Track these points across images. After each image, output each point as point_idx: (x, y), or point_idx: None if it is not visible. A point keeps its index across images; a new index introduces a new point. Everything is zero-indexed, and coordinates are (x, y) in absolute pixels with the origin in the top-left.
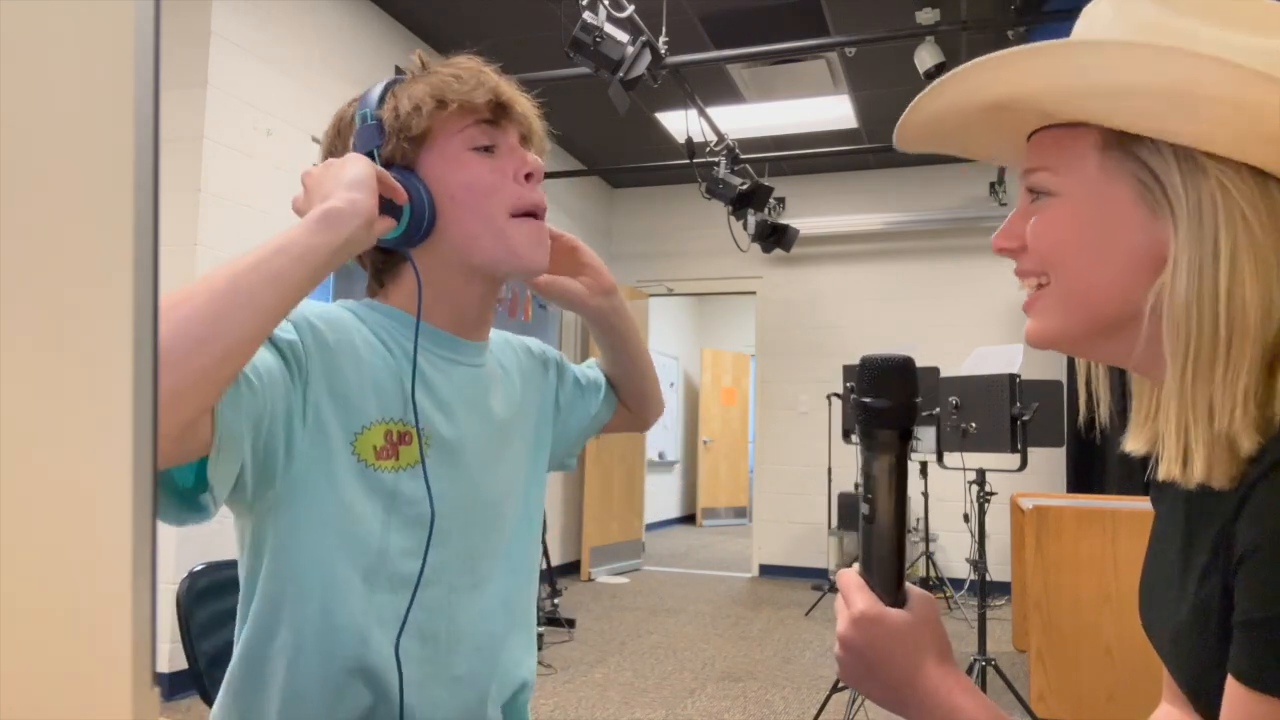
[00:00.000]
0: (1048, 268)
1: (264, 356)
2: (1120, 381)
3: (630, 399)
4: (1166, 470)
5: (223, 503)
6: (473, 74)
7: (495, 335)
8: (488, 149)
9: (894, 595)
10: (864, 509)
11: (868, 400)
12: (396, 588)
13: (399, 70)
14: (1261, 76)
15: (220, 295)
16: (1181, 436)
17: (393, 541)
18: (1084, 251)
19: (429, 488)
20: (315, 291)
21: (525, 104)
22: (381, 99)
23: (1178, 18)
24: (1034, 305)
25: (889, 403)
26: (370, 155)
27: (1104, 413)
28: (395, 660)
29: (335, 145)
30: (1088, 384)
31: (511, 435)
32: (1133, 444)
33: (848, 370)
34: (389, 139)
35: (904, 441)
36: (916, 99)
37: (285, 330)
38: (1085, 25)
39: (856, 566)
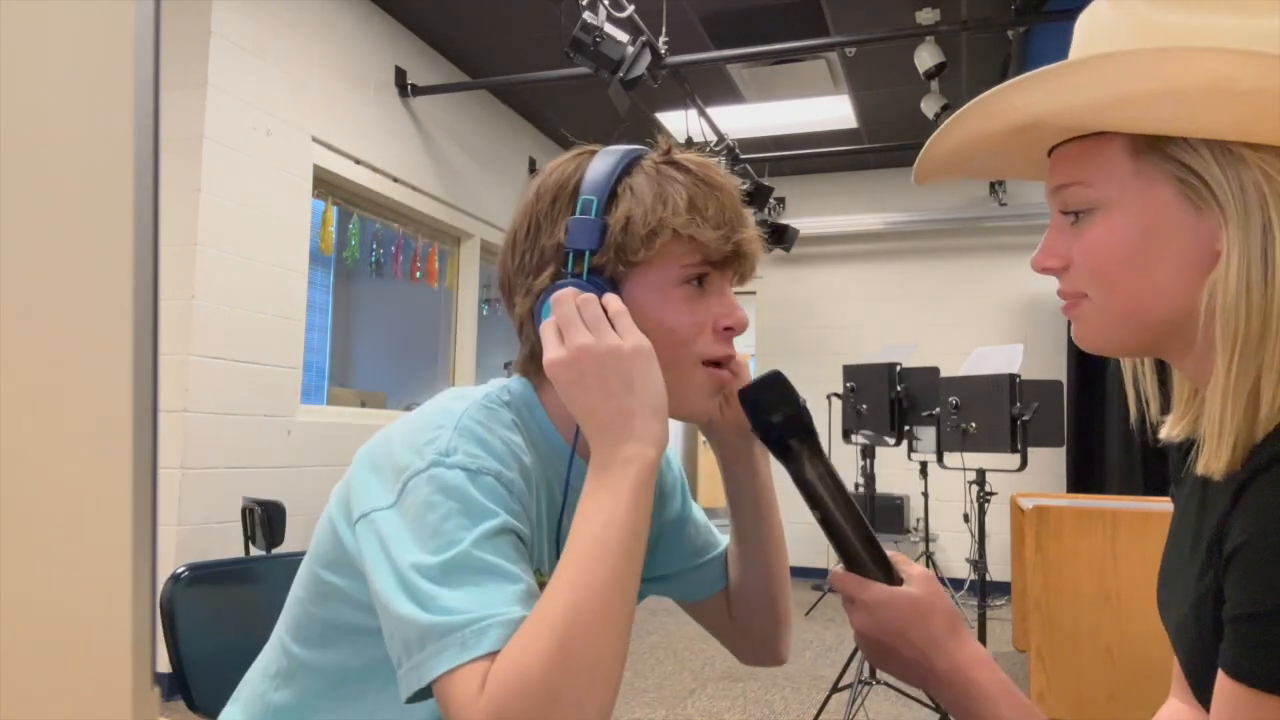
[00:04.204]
0: (1095, 283)
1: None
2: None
3: (742, 596)
4: (1205, 465)
5: None
6: (722, 208)
7: None
8: (699, 280)
9: (887, 575)
10: (816, 515)
11: (769, 420)
12: None
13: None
14: None
15: (605, 644)
16: (1229, 430)
17: None
18: (1137, 260)
19: None
20: (316, 285)
21: (758, 245)
22: (613, 191)
23: (1178, 14)
24: (1078, 311)
25: (783, 413)
26: (580, 254)
27: (1155, 409)
28: None
29: (547, 214)
30: (1135, 384)
31: None
32: (1169, 431)
33: (848, 370)
34: (606, 249)
35: (812, 439)
36: (938, 132)
37: (517, 516)
38: (1086, 27)
39: (842, 566)
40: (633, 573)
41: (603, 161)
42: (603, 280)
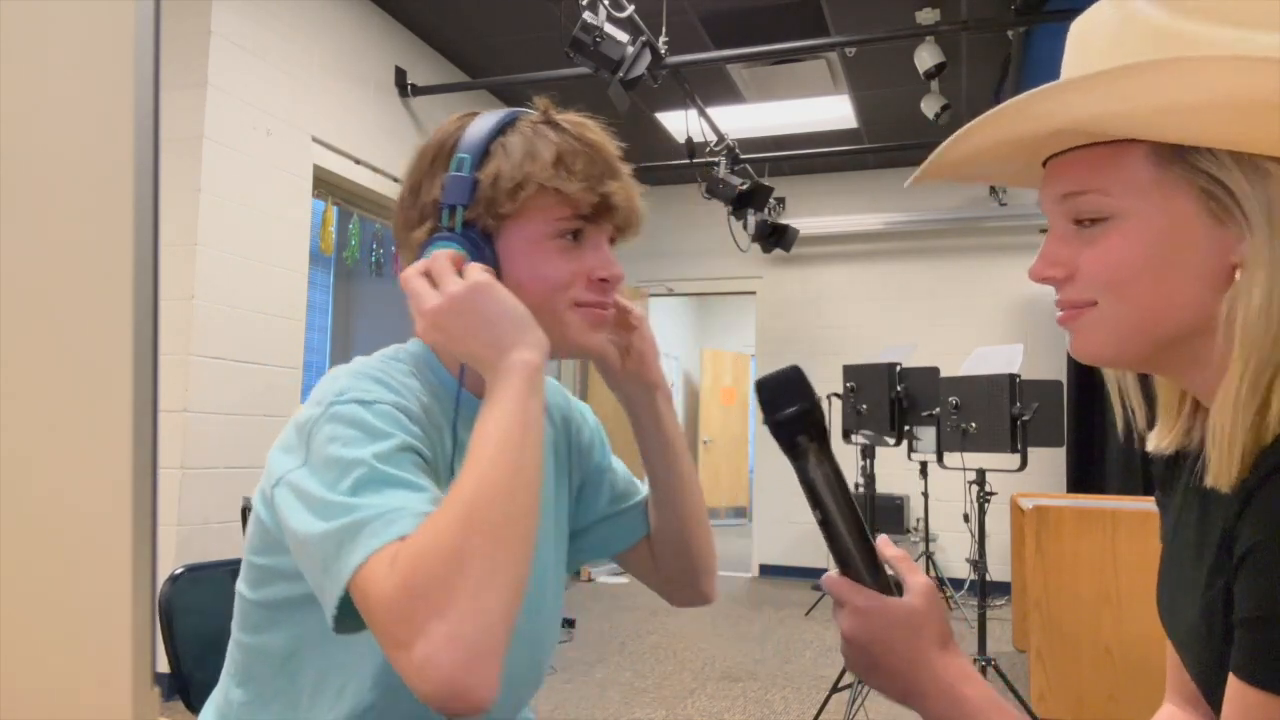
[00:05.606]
0: (1108, 292)
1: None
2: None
3: (660, 540)
4: (1214, 478)
5: None
6: (591, 161)
7: (548, 390)
8: (575, 235)
9: (882, 582)
10: (816, 515)
11: (780, 415)
12: None
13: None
14: None
15: (509, 513)
16: (1238, 442)
17: None
18: (1152, 271)
19: None
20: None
21: (631, 198)
22: (486, 149)
23: (1185, 21)
24: (1077, 322)
25: (797, 408)
26: (453, 209)
27: (1141, 419)
28: None
29: (427, 172)
30: (1120, 395)
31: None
32: (1157, 443)
33: (848, 370)
34: (477, 203)
35: (822, 438)
36: (963, 130)
37: (418, 440)
38: (1086, 28)
39: (837, 570)
40: (531, 457)
41: (481, 122)
42: (476, 234)
